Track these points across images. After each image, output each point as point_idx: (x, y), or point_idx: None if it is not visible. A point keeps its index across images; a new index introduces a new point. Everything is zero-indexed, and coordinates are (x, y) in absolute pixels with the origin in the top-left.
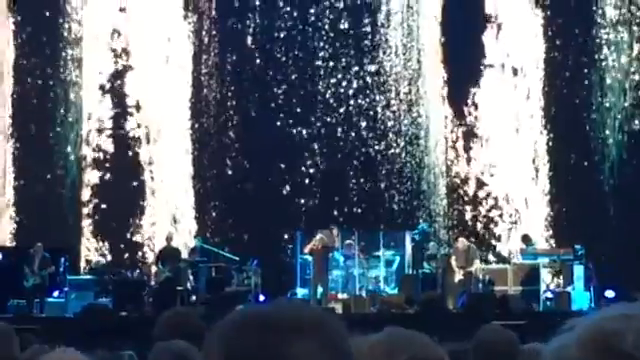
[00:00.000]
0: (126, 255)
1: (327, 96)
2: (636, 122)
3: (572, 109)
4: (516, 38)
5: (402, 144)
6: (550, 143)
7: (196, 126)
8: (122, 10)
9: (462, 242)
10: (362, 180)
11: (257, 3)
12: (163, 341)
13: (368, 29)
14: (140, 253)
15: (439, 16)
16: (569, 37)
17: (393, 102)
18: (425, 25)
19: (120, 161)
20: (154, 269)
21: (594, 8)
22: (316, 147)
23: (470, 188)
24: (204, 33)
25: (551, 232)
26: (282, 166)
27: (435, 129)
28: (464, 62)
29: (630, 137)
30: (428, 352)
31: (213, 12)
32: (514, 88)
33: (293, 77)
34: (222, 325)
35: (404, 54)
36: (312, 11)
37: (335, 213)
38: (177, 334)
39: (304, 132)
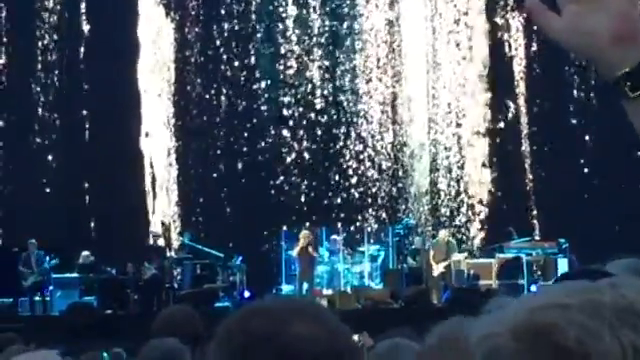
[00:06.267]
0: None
1: (313, 93)
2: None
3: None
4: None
5: (388, 145)
6: (533, 136)
7: (179, 123)
8: None
9: (443, 234)
10: (347, 175)
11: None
12: (159, 338)
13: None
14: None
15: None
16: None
17: (375, 100)
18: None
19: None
20: (139, 267)
21: None
22: (304, 143)
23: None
24: (186, 30)
25: (536, 225)
26: (267, 162)
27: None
28: None
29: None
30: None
31: (196, 7)
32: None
33: (280, 74)
34: (228, 317)
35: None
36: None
37: (320, 209)
38: (174, 332)
39: (290, 128)
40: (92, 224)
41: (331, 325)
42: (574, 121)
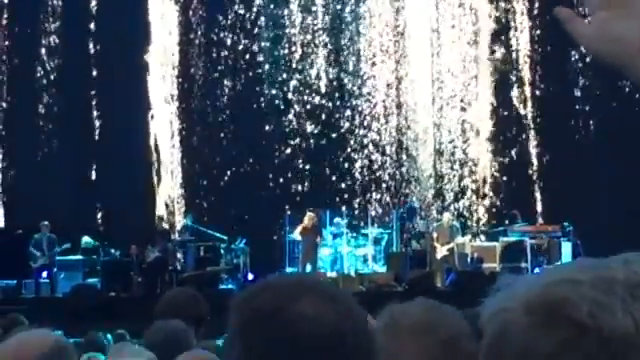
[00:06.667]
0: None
1: (317, 77)
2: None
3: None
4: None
5: (392, 128)
6: (538, 119)
7: (184, 106)
8: None
9: (447, 218)
10: (352, 159)
11: None
12: (162, 320)
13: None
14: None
15: None
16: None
17: (381, 83)
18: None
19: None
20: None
21: None
22: (308, 128)
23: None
24: (191, 13)
25: (541, 208)
26: (271, 146)
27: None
28: None
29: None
30: (461, 329)
31: None
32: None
33: (284, 58)
34: (238, 294)
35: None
36: None
37: (324, 193)
38: (177, 314)
39: (295, 112)
40: (98, 206)
41: (340, 305)
42: (578, 106)
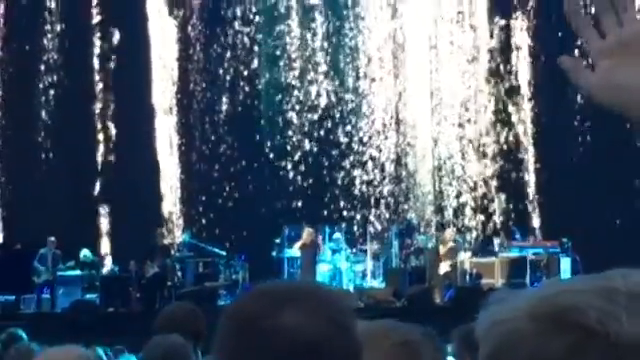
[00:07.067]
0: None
1: (317, 94)
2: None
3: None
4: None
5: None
6: (536, 135)
7: (183, 121)
8: None
9: (449, 233)
10: (350, 176)
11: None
12: (161, 335)
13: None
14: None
15: None
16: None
17: (380, 99)
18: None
19: None
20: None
21: None
22: (306, 144)
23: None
24: (190, 28)
25: (539, 224)
26: (271, 162)
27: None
28: None
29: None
30: (412, 335)
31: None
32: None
33: (281, 74)
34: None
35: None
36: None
37: (323, 208)
38: (176, 329)
39: (293, 128)
40: (100, 220)
41: (322, 317)
42: (576, 123)
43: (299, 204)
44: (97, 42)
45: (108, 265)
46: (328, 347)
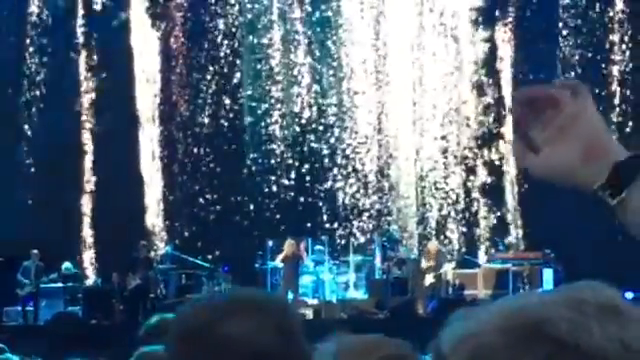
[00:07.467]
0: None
1: (301, 107)
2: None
3: None
4: None
5: (374, 157)
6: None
7: (165, 134)
8: None
9: (433, 245)
10: (333, 188)
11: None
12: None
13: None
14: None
15: None
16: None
17: (363, 112)
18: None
19: None
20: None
21: None
22: (289, 158)
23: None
24: (172, 40)
25: (522, 235)
26: (253, 174)
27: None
28: None
29: None
30: (398, 350)
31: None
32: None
33: (264, 87)
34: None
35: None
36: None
37: (306, 220)
38: (160, 341)
39: (276, 141)
40: (83, 232)
41: (268, 325)
42: None
43: (282, 216)
44: (81, 55)
45: (91, 277)
46: (277, 357)
